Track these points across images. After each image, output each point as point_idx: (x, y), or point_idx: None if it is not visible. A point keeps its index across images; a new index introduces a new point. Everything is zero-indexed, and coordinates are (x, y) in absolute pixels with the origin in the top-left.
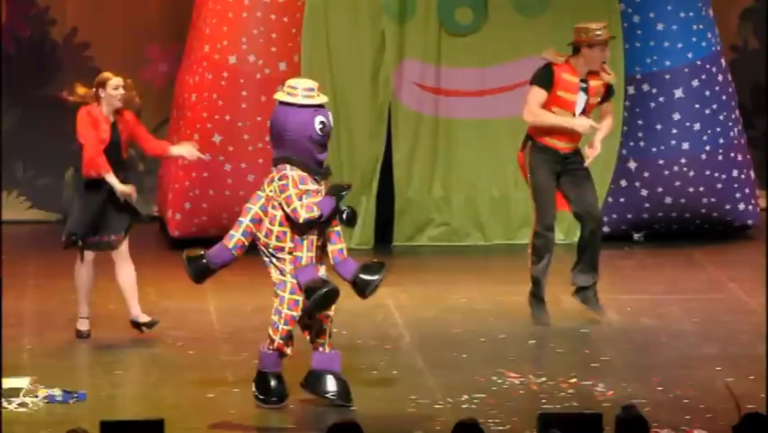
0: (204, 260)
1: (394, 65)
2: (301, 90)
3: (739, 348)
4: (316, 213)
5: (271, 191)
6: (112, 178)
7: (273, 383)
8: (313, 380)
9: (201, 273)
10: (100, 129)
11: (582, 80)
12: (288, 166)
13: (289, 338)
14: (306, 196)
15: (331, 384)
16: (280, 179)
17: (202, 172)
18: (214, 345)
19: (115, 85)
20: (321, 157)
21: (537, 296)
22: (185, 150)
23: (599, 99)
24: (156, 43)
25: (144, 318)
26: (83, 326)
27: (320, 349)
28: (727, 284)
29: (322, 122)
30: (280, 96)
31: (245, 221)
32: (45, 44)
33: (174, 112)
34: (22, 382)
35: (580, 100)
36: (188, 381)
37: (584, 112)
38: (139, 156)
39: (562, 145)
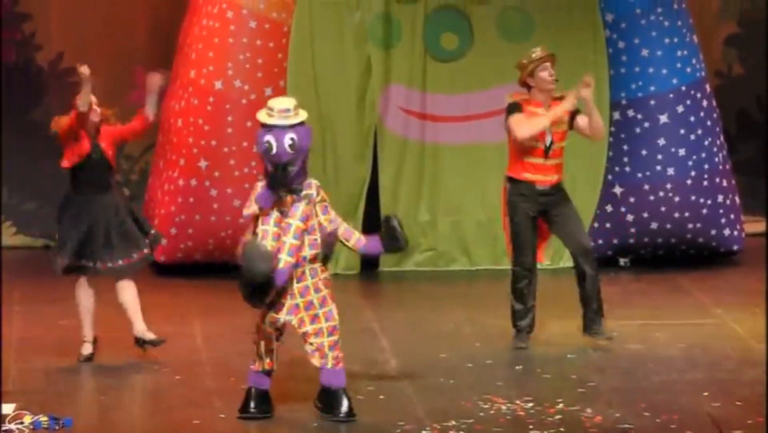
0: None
1: (379, 90)
2: (276, 111)
3: (726, 374)
4: (253, 207)
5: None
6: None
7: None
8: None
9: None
10: (81, 141)
11: (547, 108)
12: (259, 184)
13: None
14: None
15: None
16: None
17: (188, 197)
18: (200, 370)
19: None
20: (281, 178)
21: (519, 332)
22: (152, 89)
23: (565, 127)
24: (142, 68)
25: (149, 336)
26: (85, 350)
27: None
28: (713, 309)
29: (267, 142)
30: (259, 115)
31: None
32: (30, 69)
33: (160, 137)
34: (7, 408)
35: (548, 133)
36: (174, 406)
37: (552, 143)
38: (124, 182)
39: (539, 178)
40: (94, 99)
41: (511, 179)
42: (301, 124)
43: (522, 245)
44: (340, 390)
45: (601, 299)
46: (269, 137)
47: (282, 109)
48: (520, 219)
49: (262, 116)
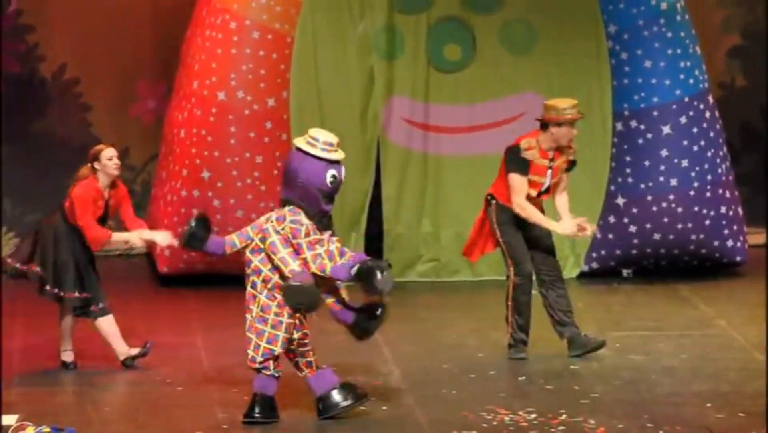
0: (201, 236)
1: (383, 101)
2: (321, 143)
3: (729, 385)
4: (327, 272)
5: (280, 228)
6: (119, 237)
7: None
8: (324, 405)
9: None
10: (96, 207)
11: (550, 159)
12: (302, 213)
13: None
14: (319, 246)
15: (338, 396)
16: (293, 222)
17: (191, 208)
18: (203, 382)
19: (108, 156)
20: (326, 208)
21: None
22: (159, 236)
23: (563, 175)
24: (145, 79)
25: (134, 351)
26: (68, 357)
27: (309, 374)
28: (716, 320)
29: (333, 176)
30: (299, 142)
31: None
32: (34, 80)
33: (163, 148)
34: (10, 419)
35: (546, 180)
36: (177, 418)
37: (548, 190)
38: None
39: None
40: (112, 151)
41: (499, 205)
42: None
43: (520, 256)
44: (329, 391)
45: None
46: (333, 171)
47: (327, 141)
48: (512, 231)
49: (328, 153)
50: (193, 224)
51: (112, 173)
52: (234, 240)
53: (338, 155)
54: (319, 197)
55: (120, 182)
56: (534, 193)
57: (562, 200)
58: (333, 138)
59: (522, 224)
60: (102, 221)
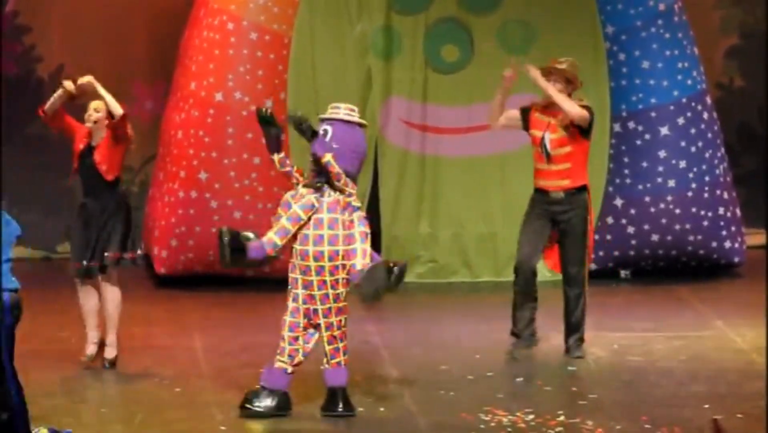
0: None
1: (380, 102)
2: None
3: (727, 386)
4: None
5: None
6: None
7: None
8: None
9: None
10: (78, 138)
11: (551, 116)
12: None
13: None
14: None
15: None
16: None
17: (188, 209)
18: (201, 383)
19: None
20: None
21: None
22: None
23: (563, 133)
24: (142, 80)
25: (111, 353)
26: (89, 349)
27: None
28: (714, 321)
29: (324, 130)
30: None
31: None
32: (31, 81)
33: (160, 149)
34: None
35: (546, 135)
36: (175, 419)
37: (553, 148)
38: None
39: (548, 184)
40: (96, 106)
41: (534, 189)
42: (346, 123)
43: (522, 241)
44: (339, 389)
45: (582, 322)
46: (325, 126)
47: (335, 106)
48: (530, 217)
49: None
50: (225, 239)
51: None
52: (276, 241)
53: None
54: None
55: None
56: (542, 162)
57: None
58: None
59: (553, 215)
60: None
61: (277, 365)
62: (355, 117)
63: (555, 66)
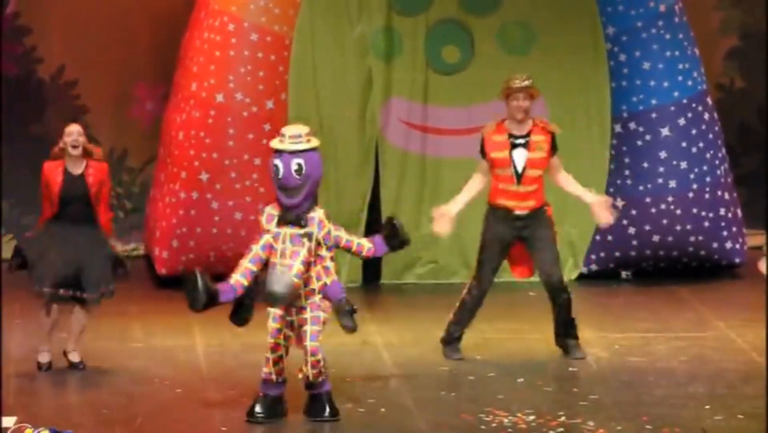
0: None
1: (380, 103)
2: (287, 137)
3: (727, 387)
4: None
5: None
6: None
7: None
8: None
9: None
10: (49, 190)
11: (519, 136)
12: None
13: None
14: (261, 236)
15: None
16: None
17: (189, 210)
18: (201, 384)
19: (67, 132)
20: (286, 202)
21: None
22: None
23: (544, 154)
24: (143, 81)
25: (75, 357)
26: (43, 358)
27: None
28: (715, 322)
29: (275, 165)
30: (272, 143)
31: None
32: (31, 82)
33: (161, 150)
34: (8, 421)
35: (518, 155)
36: (175, 420)
37: (525, 169)
38: (126, 194)
39: (512, 204)
40: (71, 128)
41: (489, 204)
42: (312, 150)
43: (482, 260)
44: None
45: (574, 322)
46: (277, 161)
47: (292, 135)
48: (490, 237)
49: (274, 142)
50: (200, 284)
51: (70, 153)
52: (243, 283)
53: (291, 145)
54: (277, 191)
55: (97, 162)
56: (510, 183)
57: (566, 180)
58: (301, 129)
59: (519, 231)
60: (83, 202)
61: (264, 373)
62: (314, 141)
63: (519, 85)
